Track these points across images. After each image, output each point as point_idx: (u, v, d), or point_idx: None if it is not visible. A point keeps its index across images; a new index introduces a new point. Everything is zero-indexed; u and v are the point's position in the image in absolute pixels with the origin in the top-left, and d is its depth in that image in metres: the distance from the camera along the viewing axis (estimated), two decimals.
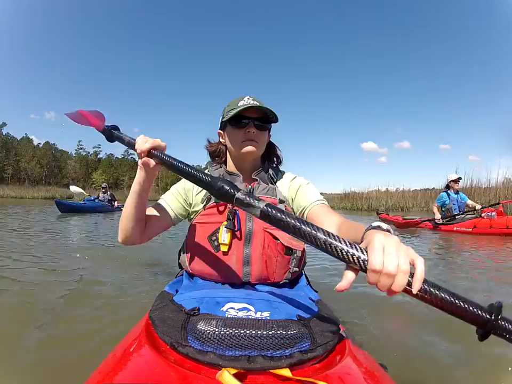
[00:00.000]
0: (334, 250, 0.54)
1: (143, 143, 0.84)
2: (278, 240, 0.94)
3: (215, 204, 0.98)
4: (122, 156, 70.21)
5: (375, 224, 0.62)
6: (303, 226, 0.57)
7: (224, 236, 0.92)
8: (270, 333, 0.59)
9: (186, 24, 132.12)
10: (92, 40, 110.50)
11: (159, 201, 1.09)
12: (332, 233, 0.56)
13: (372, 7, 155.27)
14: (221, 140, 1.14)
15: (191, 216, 1.09)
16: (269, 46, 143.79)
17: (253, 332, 0.59)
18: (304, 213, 1.02)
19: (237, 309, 0.69)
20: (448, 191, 6.81)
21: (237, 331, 0.59)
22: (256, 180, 1.07)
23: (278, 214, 0.59)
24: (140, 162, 0.86)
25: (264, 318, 0.64)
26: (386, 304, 2.12)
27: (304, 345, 0.60)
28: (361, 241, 0.60)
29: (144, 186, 0.90)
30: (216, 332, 0.59)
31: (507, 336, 0.50)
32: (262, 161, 1.15)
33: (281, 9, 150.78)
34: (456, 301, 0.51)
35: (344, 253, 0.53)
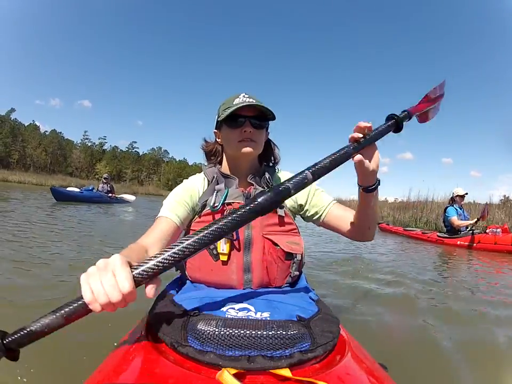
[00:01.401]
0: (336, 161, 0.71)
1: (109, 305, 0.51)
2: (278, 246, 0.91)
3: (210, 211, 0.94)
4: (127, 149, 70.29)
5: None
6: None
7: (223, 246, 0.88)
8: (270, 333, 0.58)
9: (192, 21, 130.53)
10: (99, 32, 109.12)
11: (160, 213, 0.95)
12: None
13: (371, 13, 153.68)
14: (218, 139, 1.09)
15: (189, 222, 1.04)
16: (271, 48, 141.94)
17: (253, 332, 0.58)
18: (322, 214, 1.04)
19: (237, 309, 0.68)
20: (454, 206, 6.63)
21: (237, 331, 0.58)
22: (252, 185, 1.01)
23: (320, 165, 0.68)
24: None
25: (264, 319, 0.63)
26: (387, 304, 2.13)
27: (304, 345, 0.59)
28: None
29: None
30: (216, 332, 0.58)
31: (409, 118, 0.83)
32: (259, 161, 1.10)
33: (284, 11, 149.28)
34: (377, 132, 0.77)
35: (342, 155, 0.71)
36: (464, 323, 1.88)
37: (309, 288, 0.93)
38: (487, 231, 6.10)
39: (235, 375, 0.50)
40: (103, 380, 0.53)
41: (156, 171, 68.75)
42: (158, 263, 0.55)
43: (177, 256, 0.56)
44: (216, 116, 1.06)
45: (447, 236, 6.67)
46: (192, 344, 0.57)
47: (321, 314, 0.71)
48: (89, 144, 67.74)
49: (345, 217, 1.01)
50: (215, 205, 0.92)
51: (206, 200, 0.96)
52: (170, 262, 0.55)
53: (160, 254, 0.56)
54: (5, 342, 0.53)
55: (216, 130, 1.08)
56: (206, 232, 0.57)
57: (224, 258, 0.88)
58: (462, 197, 6.70)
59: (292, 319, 0.65)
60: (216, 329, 0.58)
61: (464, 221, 6.46)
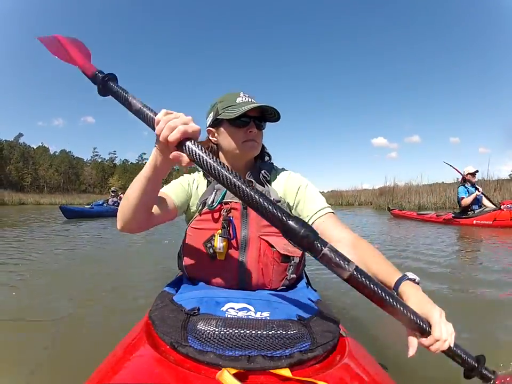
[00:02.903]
0: (406, 316, 0.63)
1: (170, 128, 0.62)
2: (274, 248, 0.91)
3: (208, 210, 0.94)
4: (137, 161, 71.39)
5: (409, 276, 0.72)
6: (386, 297, 0.62)
7: (219, 245, 0.88)
8: (270, 333, 0.58)
9: (189, 25, 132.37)
10: (94, 43, 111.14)
11: (161, 189, 0.99)
12: (403, 303, 0.64)
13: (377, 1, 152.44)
14: (211, 138, 1.06)
15: (187, 219, 1.06)
16: (276, 41, 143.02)
17: (253, 332, 0.57)
18: (309, 221, 0.94)
19: (237, 309, 0.67)
20: (465, 185, 6.54)
21: (236, 331, 0.57)
22: (252, 182, 1.00)
23: (367, 281, 0.60)
24: (160, 150, 0.68)
25: (264, 318, 0.63)
26: None
27: (304, 345, 0.59)
28: (393, 289, 0.72)
29: (160, 172, 0.75)
30: (216, 332, 0.57)
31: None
32: (254, 160, 1.09)
33: (286, 3, 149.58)
34: (460, 353, 0.69)
35: (412, 319, 0.63)
36: (471, 319, 1.82)
37: (309, 288, 0.93)
38: (502, 207, 6.01)
39: (235, 375, 0.49)
40: (103, 380, 0.53)
41: (166, 180, 69.42)
42: (206, 157, 0.62)
43: (212, 167, 0.61)
44: (212, 113, 1.02)
45: (462, 216, 6.55)
46: (192, 344, 0.57)
47: (321, 314, 0.71)
48: (99, 160, 69.27)
49: (331, 233, 0.89)
50: (213, 203, 0.93)
51: (206, 199, 0.97)
52: (207, 166, 0.61)
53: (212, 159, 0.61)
54: (104, 78, 0.72)
55: (211, 128, 1.04)
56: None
57: (222, 257, 0.89)
58: (473, 174, 6.56)
59: (292, 319, 0.64)
60: (216, 329, 0.58)
61: (470, 196, 6.35)
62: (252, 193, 0.59)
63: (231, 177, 0.60)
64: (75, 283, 2.41)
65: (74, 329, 1.53)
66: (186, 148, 0.62)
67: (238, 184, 0.59)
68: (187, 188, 1.05)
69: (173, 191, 1.01)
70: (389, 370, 0.70)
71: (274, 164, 1.13)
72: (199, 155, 0.61)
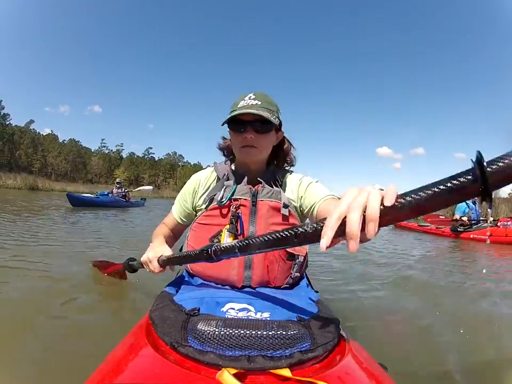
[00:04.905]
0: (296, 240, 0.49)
1: (155, 268, 0.96)
2: None
3: (217, 205, 0.93)
4: (143, 155, 71.49)
5: None
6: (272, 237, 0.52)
7: (226, 240, 0.87)
8: (270, 333, 0.57)
9: (201, 20, 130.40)
10: (103, 34, 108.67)
11: (172, 209, 1.14)
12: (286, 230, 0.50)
13: (385, 6, 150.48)
14: (230, 137, 1.05)
15: (195, 216, 1.05)
16: (281, 45, 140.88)
17: (253, 332, 0.57)
18: (313, 209, 0.93)
19: (237, 310, 0.67)
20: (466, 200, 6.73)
21: (237, 331, 0.56)
22: (261, 183, 0.97)
23: (251, 242, 0.55)
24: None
25: (264, 319, 0.62)
26: (387, 304, 2.09)
27: (304, 345, 0.58)
28: None
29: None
30: (216, 332, 0.56)
31: (506, 180, 0.35)
32: (271, 162, 1.06)
33: (295, 4, 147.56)
34: (434, 189, 0.39)
35: (306, 235, 0.48)
36: (467, 322, 1.83)
37: (309, 289, 0.92)
38: (498, 224, 6.27)
39: (235, 375, 0.49)
40: (103, 380, 0.52)
41: (171, 175, 69.83)
42: (170, 258, 0.89)
43: (182, 258, 0.84)
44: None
45: (460, 230, 6.77)
46: (192, 344, 0.56)
47: (321, 314, 0.70)
48: (106, 151, 69.41)
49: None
50: (222, 199, 0.93)
51: (214, 195, 0.96)
52: (179, 260, 0.86)
53: (174, 254, 0.89)
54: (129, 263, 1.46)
55: (228, 129, 1.03)
56: (201, 250, 0.73)
57: None
58: None
59: (292, 319, 0.63)
60: (216, 329, 0.57)
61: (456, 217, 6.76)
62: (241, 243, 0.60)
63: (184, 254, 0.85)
64: (74, 281, 2.38)
65: (74, 329, 1.50)
66: (164, 262, 0.95)
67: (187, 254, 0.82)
68: (192, 193, 1.06)
69: (178, 212, 1.12)
70: (389, 370, 0.68)
71: (292, 171, 1.09)
72: (170, 261, 0.92)
